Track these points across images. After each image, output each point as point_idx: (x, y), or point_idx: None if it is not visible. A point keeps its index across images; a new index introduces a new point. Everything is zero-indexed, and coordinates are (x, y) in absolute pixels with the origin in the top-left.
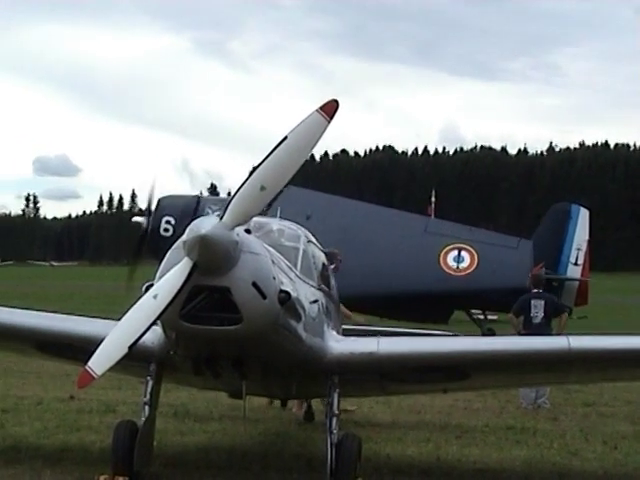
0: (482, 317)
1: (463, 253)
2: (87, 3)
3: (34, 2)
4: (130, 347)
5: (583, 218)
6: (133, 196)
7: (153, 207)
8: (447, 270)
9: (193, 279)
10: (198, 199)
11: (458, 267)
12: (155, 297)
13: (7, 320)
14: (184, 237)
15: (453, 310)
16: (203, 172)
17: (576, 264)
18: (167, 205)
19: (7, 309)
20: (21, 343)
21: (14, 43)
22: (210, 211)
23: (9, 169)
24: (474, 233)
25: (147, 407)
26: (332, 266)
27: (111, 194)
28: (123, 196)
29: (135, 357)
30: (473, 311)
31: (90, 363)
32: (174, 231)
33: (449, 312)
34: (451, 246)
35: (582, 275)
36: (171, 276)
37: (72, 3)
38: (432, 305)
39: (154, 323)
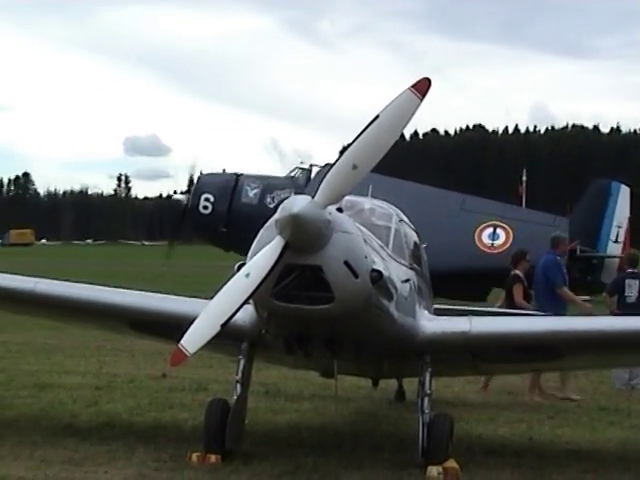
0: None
1: (498, 230)
2: None
3: None
4: (222, 326)
5: (623, 195)
6: None
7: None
8: (482, 247)
9: (285, 258)
10: (237, 176)
11: (493, 244)
12: (247, 276)
13: (101, 298)
14: (276, 216)
15: (490, 287)
16: (293, 152)
17: (616, 241)
18: (206, 182)
19: (100, 287)
20: (115, 321)
21: (103, 25)
22: (249, 189)
23: (100, 149)
24: (509, 210)
25: (239, 385)
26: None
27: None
28: None
29: (227, 336)
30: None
31: (183, 341)
32: (213, 208)
33: (485, 289)
34: (486, 223)
35: (622, 253)
36: (263, 255)
37: None
38: (468, 282)
39: (246, 302)
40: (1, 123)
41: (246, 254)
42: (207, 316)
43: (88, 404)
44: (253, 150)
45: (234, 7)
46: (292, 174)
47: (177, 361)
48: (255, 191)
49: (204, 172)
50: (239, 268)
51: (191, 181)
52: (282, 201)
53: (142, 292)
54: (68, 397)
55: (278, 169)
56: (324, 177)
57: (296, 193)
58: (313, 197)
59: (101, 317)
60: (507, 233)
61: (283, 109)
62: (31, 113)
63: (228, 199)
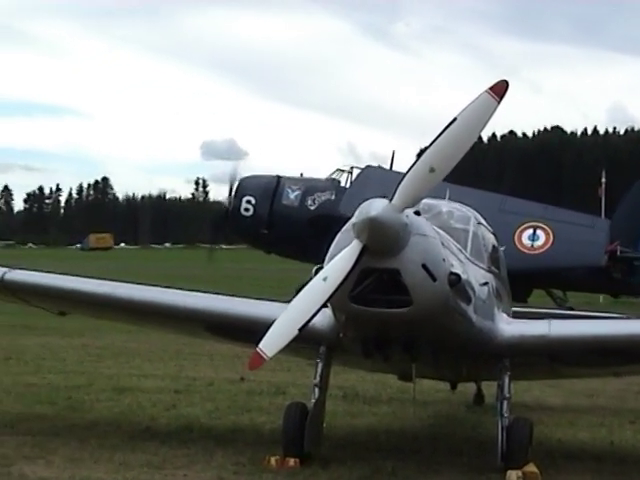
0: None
1: (538, 231)
2: None
3: None
4: (300, 329)
5: None
6: None
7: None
8: (522, 249)
9: (363, 261)
10: (278, 179)
11: (533, 245)
12: (325, 279)
13: (177, 302)
14: (353, 219)
15: (531, 289)
16: (369, 155)
17: None
18: (247, 185)
19: (176, 291)
20: (191, 325)
21: (180, 29)
22: (290, 191)
23: (178, 154)
24: (549, 211)
25: (317, 389)
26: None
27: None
28: None
29: (305, 339)
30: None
31: (261, 345)
32: (254, 211)
33: (527, 291)
34: (526, 224)
35: None
36: (340, 258)
37: None
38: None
39: (324, 305)
40: (80, 128)
41: (287, 256)
42: (285, 319)
43: (167, 407)
44: (329, 154)
45: (310, 11)
46: (333, 176)
47: (255, 365)
48: (296, 193)
49: (246, 174)
50: (317, 272)
51: (232, 183)
52: (330, 204)
53: (217, 295)
54: (147, 401)
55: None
56: (401, 180)
57: (337, 196)
58: (391, 200)
59: (177, 321)
60: (547, 234)
61: (359, 112)
62: (110, 118)
63: (269, 201)
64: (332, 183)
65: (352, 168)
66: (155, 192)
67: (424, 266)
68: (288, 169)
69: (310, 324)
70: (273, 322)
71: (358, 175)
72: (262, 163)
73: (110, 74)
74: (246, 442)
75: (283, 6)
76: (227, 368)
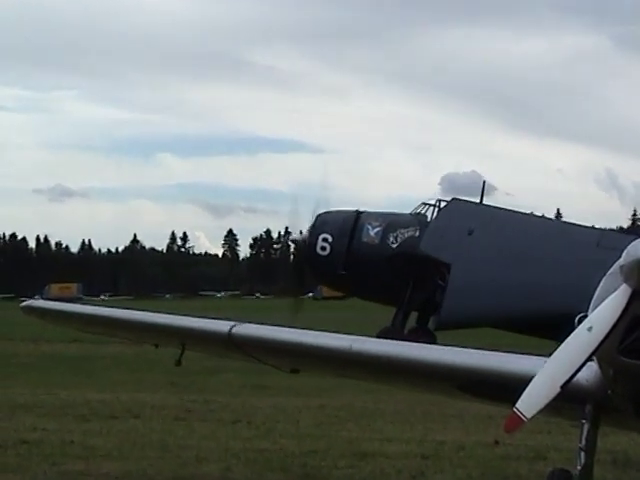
0: None
1: None
2: (486, 2)
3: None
4: (562, 386)
5: None
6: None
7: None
8: None
9: (633, 308)
10: (358, 214)
11: None
12: (589, 329)
13: (427, 357)
14: (621, 261)
15: None
16: (632, 185)
17: None
18: (324, 221)
19: (423, 345)
20: (445, 383)
21: (413, 53)
22: (370, 227)
23: (417, 188)
24: None
25: (583, 454)
26: None
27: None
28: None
29: (568, 397)
30: None
31: (518, 404)
32: (331, 249)
33: None
34: None
35: None
36: (607, 305)
37: (472, 3)
38: None
39: (589, 359)
40: (309, 164)
41: (368, 298)
42: (545, 375)
43: (413, 475)
44: (583, 186)
45: (552, 26)
46: (418, 210)
47: (512, 427)
48: (377, 230)
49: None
50: (580, 321)
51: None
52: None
53: (469, 349)
54: (391, 467)
55: (615, 206)
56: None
57: (422, 232)
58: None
59: (428, 378)
60: None
61: (621, 138)
62: (347, 153)
63: (347, 239)
64: (417, 218)
65: (439, 201)
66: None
67: None
68: (541, 207)
69: (574, 380)
70: (532, 378)
71: (441, 210)
72: (510, 200)
73: (337, 107)
74: None
75: (524, 22)
76: (479, 430)
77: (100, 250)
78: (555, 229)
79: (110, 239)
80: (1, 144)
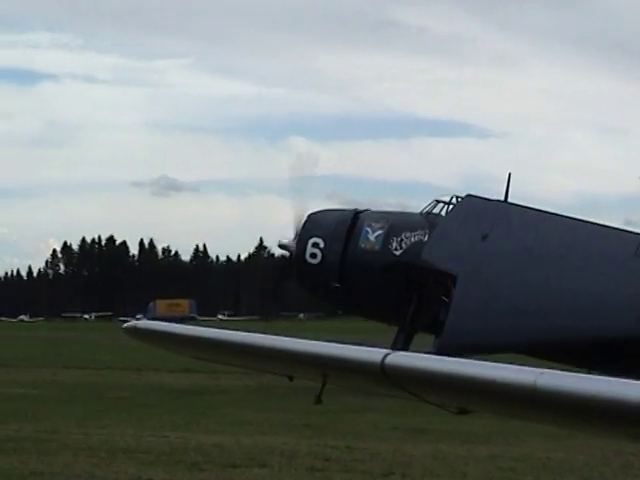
0: None
1: None
2: None
3: None
4: None
5: None
6: None
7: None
8: None
9: None
10: (356, 214)
11: None
12: None
13: None
14: None
15: None
16: None
17: None
18: (315, 223)
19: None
20: None
21: None
22: (370, 230)
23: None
24: None
25: None
26: None
27: None
28: None
29: None
30: None
31: None
32: (322, 257)
33: None
34: None
35: None
36: None
37: None
38: None
39: None
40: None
41: (366, 316)
42: None
43: None
44: None
45: None
46: (428, 209)
47: None
48: (377, 233)
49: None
50: None
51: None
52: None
53: None
54: None
55: None
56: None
57: (430, 232)
58: None
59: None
60: None
61: None
62: (521, 137)
63: (342, 244)
64: (426, 219)
65: (454, 198)
66: None
67: None
68: None
69: None
70: None
71: (452, 208)
72: None
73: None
74: None
75: None
76: None
77: (218, 258)
78: (590, 233)
79: (230, 244)
80: (91, 125)
